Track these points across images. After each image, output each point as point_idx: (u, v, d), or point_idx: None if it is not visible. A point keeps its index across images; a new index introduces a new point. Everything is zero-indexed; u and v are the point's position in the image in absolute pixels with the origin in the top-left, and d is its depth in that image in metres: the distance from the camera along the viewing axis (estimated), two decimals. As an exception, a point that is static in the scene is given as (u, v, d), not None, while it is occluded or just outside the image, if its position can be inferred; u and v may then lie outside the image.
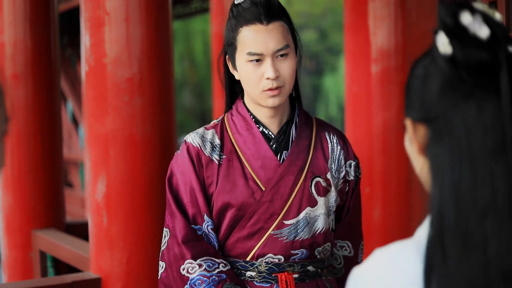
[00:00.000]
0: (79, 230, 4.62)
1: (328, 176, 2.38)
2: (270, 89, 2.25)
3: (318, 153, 2.39)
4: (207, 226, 2.33)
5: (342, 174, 2.42)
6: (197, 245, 2.29)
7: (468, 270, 1.13)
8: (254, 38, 2.24)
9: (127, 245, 3.16)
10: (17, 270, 4.47)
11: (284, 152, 2.37)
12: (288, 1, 18.51)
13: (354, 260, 2.52)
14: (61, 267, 4.34)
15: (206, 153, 2.34)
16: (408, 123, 1.30)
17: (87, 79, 3.23)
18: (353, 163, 2.45)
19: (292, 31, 2.33)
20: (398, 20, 4.00)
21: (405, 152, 3.98)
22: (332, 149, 2.42)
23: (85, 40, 3.23)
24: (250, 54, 2.24)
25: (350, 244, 2.51)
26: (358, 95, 4.17)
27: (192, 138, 2.37)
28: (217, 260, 2.29)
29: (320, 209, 2.35)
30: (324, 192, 2.37)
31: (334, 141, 2.44)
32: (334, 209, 2.41)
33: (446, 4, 1.20)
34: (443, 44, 1.18)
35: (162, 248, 2.37)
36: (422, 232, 1.24)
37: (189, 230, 2.30)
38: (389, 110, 4.04)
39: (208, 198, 2.33)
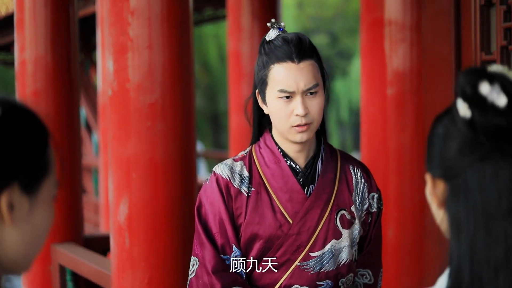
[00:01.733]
0: (98, 244, 4.70)
1: (353, 208, 2.44)
2: (299, 125, 2.30)
3: (343, 186, 2.45)
4: (236, 256, 2.37)
5: (366, 206, 2.48)
6: (226, 276, 2.34)
7: None
8: (286, 76, 2.29)
9: (148, 266, 3.23)
10: (36, 284, 4.55)
11: (311, 186, 2.41)
12: (300, 5, 18.55)
13: (374, 287, 2.58)
14: (80, 281, 4.41)
15: (235, 185, 2.38)
16: (428, 178, 1.33)
17: (111, 103, 3.30)
18: (375, 196, 2.51)
19: (321, 68, 2.38)
20: (414, 44, 4.06)
21: (420, 174, 4.02)
22: (356, 182, 2.47)
23: (109, 65, 3.30)
24: (281, 91, 2.30)
25: (370, 272, 2.56)
26: (373, 117, 4.22)
27: (222, 169, 2.41)
28: None
29: (344, 241, 2.41)
30: (349, 224, 2.42)
31: (358, 174, 2.48)
32: (357, 241, 2.46)
33: (466, 72, 1.25)
34: (463, 108, 1.22)
35: (190, 277, 2.41)
36: (442, 281, 1.28)
37: (219, 260, 2.35)
38: (404, 132, 4.09)
39: (236, 229, 2.38)
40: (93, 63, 11.49)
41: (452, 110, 1.29)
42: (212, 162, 13.06)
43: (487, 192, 1.20)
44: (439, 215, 1.33)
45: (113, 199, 3.31)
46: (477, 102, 1.21)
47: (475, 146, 1.22)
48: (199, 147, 13.76)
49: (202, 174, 13.21)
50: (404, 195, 4.10)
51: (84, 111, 11.03)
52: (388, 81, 4.11)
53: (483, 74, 1.23)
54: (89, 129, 11.17)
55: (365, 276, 2.55)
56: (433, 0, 3.98)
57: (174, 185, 3.25)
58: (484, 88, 1.21)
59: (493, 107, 1.21)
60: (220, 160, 2.47)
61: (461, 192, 1.23)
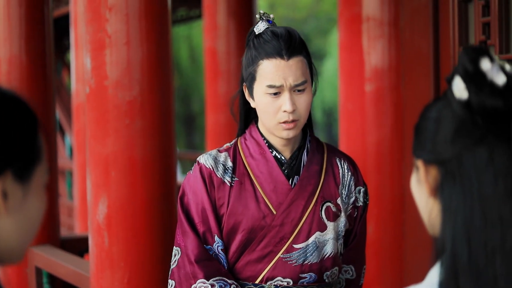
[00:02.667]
0: (74, 246, 4.65)
1: (339, 201, 2.43)
2: (286, 122, 2.29)
3: (329, 178, 2.44)
4: (217, 246, 2.36)
5: (352, 199, 2.47)
6: (210, 265, 2.32)
7: None
8: (274, 72, 2.28)
9: (128, 266, 3.19)
10: (13, 286, 4.49)
11: (296, 177, 2.40)
12: (271, 6, 18.57)
13: (356, 283, 2.57)
14: (57, 284, 4.36)
15: (218, 175, 2.37)
16: (420, 164, 1.31)
17: (88, 101, 3.26)
18: (362, 189, 2.50)
19: (310, 64, 2.37)
20: (392, 40, 4.06)
21: (399, 170, 4.02)
22: (343, 175, 2.46)
23: (86, 62, 3.26)
24: (269, 87, 2.28)
25: (353, 268, 2.55)
26: (352, 113, 4.22)
27: (205, 159, 2.40)
28: (229, 281, 2.32)
29: (329, 234, 2.39)
30: (334, 217, 2.41)
31: (345, 167, 2.48)
32: (343, 234, 2.45)
33: (467, 49, 1.25)
34: (459, 89, 1.22)
35: (172, 267, 2.40)
36: (434, 274, 1.26)
37: (202, 249, 2.33)
38: (383, 128, 4.10)
39: (219, 219, 2.36)
40: (66, 65, 11.41)
41: (445, 95, 1.28)
42: (186, 163, 13.01)
43: (483, 175, 1.20)
44: (428, 205, 1.32)
45: (92, 199, 3.27)
46: (476, 79, 1.21)
47: (471, 128, 1.21)
48: (173, 148, 13.71)
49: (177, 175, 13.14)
50: (383, 192, 4.10)
51: (56, 113, 10.94)
52: (367, 77, 4.12)
53: (484, 51, 1.23)
54: (62, 131, 11.08)
55: (348, 271, 2.55)
56: (411, -5, 3.99)
57: (154, 183, 3.22)
58: (485, 64, 1.21)
59: (491, 86, 1.20)
60: (194, 161, 2.46)
61: (456, 176, 1.22)
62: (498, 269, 1.17)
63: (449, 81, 1.26)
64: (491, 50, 3.61)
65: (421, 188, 1.33)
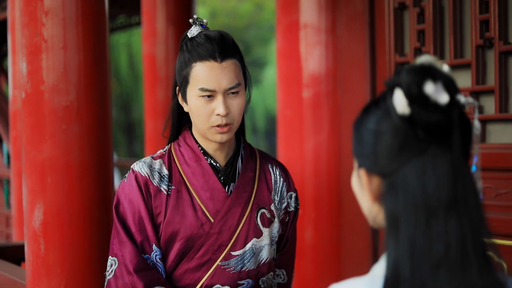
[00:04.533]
0: (11, 254, 4.57)
1: (272, 207, 2.44)
2: (219, 126, 2.27)
3: (262, 185, 2.44)
4: (155, 255, 2.33)
5: (284, 205, 2.48)
6: (149, 275, 2.29)
7: None
8: (207, 74, 2.26)
9: (64, 272, 3.15)
10: None
11: (232, 184, 2.40)
12: (212, 14, 18.57)
13: (287, 286, 2.59)
14: (-7, 292, 4.29)
15: (154, 183, 2.34)
16: (363, 174, 1.32)
17: (24, 105, 3.21)
18: (293, 195, 2.52)
19: (243, 68, 2.36)
20: (329, 46, 4.10)
21: (336, 175, 4.06)
22: (275, 181, 2.48)
23: (22, 66, 3.22)
24: (202, 90, 2.26)
25: (285, 272, 2.57)
26: (290, 119, 4.25)
27: (140, 167, 2.38)
28: None
29: (265, 240, 2.41)
30: (269, 223, 2.42)
31: (277, 173, 2.49)
32: (276, 239, 2.46)
33: (410, 70, 1.24)
34: (401, 105, 1.22)
35: (108, 277, 2.35)
36: (378, 270, 1.28)
37: (140, 259, 2.29)
38: (320, 133, 4.13)
39: (156, 228, 2.33)
40: (4, 72, 11.22)
41: (381, 104, 1.28)
42: (126, 171, 12.86)
43: (426, 186, 1.20)
44: (374, 210, 1.33)
45: (27, 205, 3.22)
46: (420, 100, 1.21)
47: (413, 141, 1.22)
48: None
49: (116, 183, 13.03)
50: (321, 197, 4.13)
51: (-7, 121, 10.75)
52: (304, 83, 4.15)
53: (427, 73, 1.23)
54: (-1, 139, 10.89)
55: (279, 276, 2.56)
56: (348, 3, 4.04)
57: (90, 189, 3.19)
58: (429, 87, 1.21)
59: (434, 105, 1.21)
60: (134, 168, 2.42)
61: (399, 189, 1.22)
62: (442, 281, 1.17)
63: (389, 88, 1.26)
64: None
65: (363, 193, 1.34)
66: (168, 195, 2.34)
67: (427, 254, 1.18)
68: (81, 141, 3.16)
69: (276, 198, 2.45)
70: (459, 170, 1.21)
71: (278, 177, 2.48)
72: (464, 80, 3.51)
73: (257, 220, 2.39)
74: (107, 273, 2.36)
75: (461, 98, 1.24)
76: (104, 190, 3.25)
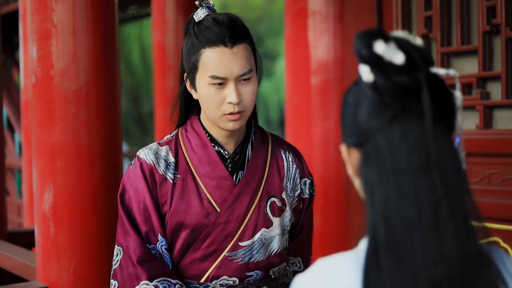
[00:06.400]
0: (22, 239, 4.63)
1: (283, 195, 2.33)
2: (232, 114, 2.16)
3: (273, 172, 2.34)
4: (161, 246, 2.25)
5: (297, 192, 2.38)
6: (153, 266, 2.21)
7: (400, 281, 1.18)
8: (218, 61, 2.13)
9: (74, 255, 3.19)
10: (-42, 279, 4.45)
11: (240, 172, 2.30)
12: (224, 6, 18.57)
13: None
14: (4, 276, 4.33)
15: (160, 171, 2.25)
16: (343, 148, 1.34)
17: (34, 90, 3.25)
18: (308, 181, 2.41)
19: (254, 51, 2.23)
20: (337, 33, 4.12)
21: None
22: (288, 168, 2.37)
23: (32, 51, 3.25)
24: (213, 77, 2.14)
25: (301, 260, 2.48)
26: (298, 106, 4.26)
27: (146, 154, 2.28)
28: (173, 281, 2.21)
29: (275, 230, 2.31)
30: (279, 212, 2.31)
31: (290, 159, 2.39)
32: (288, 229, 2.36)
33: (359, 34, 1.25)
34: (365, 72, 1.23)
35: (114, 267, 2.28)
36: (363, 245, 1.29)
37: (144, 250, 2.22)
38: (328, 120, 4.15)
39: (162, 217, 2.25)
40: (15, 63, 11.28)
41: (358, 79, 1.30)
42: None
43: (396, 151, 1.21)
44: (357, 184, 1.35)
45: (38, 188, 3.26)
46: (375, 62, 1.22)
47: (383, 108, 1.23)
48: (124, 147, 13.65)
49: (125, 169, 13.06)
50: (328, 183, 4.15)
51: (5, 111, 10.83)
52: (312, 70, 4.17)
53: (376, 34, 1.23)
54: (11, 129, 10.96)
55: (295, 264, 2.47)
56: (355, -10, 4.05)
57: (99, 172, 3.22)
58: (379, 47, 1.21)
59: (391, 65, 1.21)
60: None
61: (372, 156, 1.24)
62: (415, 243, 1.18)
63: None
64: (432, 43, 3.69)
65: (348, 168, 1.36)
66: (174, 184, 2.25)
67: (401, 217, 1.20)
68: (90, 125, 3.19)
69: (288, 186, 2.35)
70: (433, 137, 1.21)
71: (291, 163, 2.37)
72: (471, 66, 3.53)
73: (266, 209, 2.29)
74: (113, 262, 2.30)
75: (437, 70, 1.25)
76: (113, 173, 3.28)
